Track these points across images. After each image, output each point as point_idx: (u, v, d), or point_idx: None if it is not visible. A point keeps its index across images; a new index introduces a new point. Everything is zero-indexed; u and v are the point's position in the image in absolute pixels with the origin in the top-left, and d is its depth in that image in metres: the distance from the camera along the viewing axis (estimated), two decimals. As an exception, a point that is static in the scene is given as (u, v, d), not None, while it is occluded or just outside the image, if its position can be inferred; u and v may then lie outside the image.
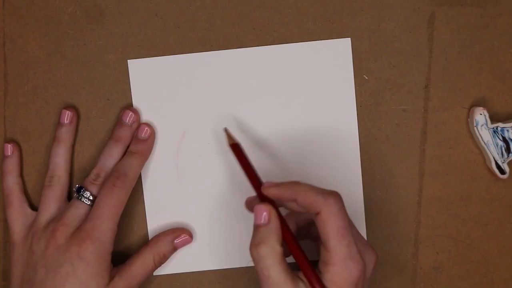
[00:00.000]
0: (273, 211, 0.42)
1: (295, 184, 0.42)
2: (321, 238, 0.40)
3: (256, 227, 0.41)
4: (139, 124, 0.49)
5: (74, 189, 0.49)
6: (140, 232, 0.50)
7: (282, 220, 0.42)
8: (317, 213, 0.40)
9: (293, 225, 0.44)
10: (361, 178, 0.50)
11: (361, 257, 0.40)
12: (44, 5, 0.50)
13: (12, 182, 0.49)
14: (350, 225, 0.40)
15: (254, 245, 0.41)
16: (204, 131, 0.50)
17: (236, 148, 0.46)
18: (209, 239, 0.50)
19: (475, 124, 0.48)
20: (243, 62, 0.50)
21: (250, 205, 0.45)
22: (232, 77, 0.50)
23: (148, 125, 0.49)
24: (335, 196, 0.40)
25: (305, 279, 0.40)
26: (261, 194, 0.43)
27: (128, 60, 0.50)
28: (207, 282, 0.50)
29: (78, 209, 0.46)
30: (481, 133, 0.48)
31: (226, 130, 0.47)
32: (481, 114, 0.48)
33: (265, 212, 0.41)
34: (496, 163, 0.48)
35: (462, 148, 0.50)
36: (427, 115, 0.50)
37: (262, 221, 0.41)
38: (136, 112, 0.49)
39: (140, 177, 0.50)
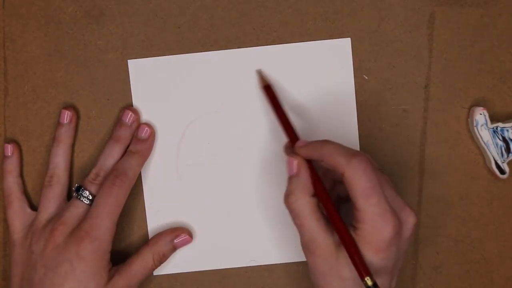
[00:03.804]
0: (303, 163, 0.42)
1: (322, 144, 0.42)
2: (351, 198, 0.40)
3: (289, 178, 0.42)
4: (139, 124, 0.49)
5: (73, 188, 0.49)
6: (140, 232, 0.50)
7: (313, 172, 0.42)
8: (342, 174, 0.40)
9: (331, 181, 0.44)
10: (361, 178, 0.50)
11: (393, 216, 0.39)
12: (44, 5, 0.50)
13: (12, 182, 0.49)
14: (379, 185, 0.39)
15: (286, 195, 0.42)
16: (204, 131, 0.50)
17: (269, 91, 0.46)
18: (209, 239, 0.50)
19: (475, 124, 0.48)
20: (243, 62, 0.50)
21: (288, 150, 0.45)
22: (232, 77, 0.50)
23: (148, 125, 0.49)
24: (359, 156, 0.40)
25: None
26: (294, 143, 0.44)
27: (128, 60, 0.50)
28: (207, 282, 0.50)
29: (77, 209, 0.46)
30: (481, 133, 0.48)
31: (259, 72, 0.48)
32: (481, 114, 0.48)
33: (294, 163, 0.42)
34: (496, 163, 0.48)
35: (462, 148, 0.50)
36: (427, 115, 0.50)
37: (293, 172, 0.42)
38: (136, 112, 0.49)
39: (140, 177, 0.50)
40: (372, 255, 0.39)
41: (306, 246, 0.41)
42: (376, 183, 0.39)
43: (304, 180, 0.42)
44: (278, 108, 0.46)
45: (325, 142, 0.42)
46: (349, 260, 0.39)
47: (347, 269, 0.40)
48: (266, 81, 0.48)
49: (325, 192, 0.42)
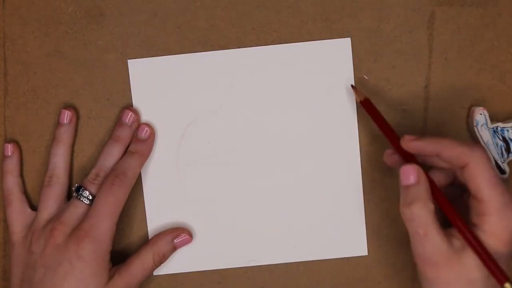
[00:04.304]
0: (421, 171, 0.41)
1: (437, 137, 0.41)
2: (471, 191, 0.39)
3: (405, 187, 0.41)
4: (139, 124, 0.49)
5: (73, 188, 0.49)
6: (140, 232, 0.50)
7: (430, 179, 0.41)
8: (465, 166, 0.39)
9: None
10: (361, 178, 0.49)
11: None
12: (44, 5, 0.50)
13: (12, 182, 0.49)
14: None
15: (407, 204, 0.40)
16: (204, 131, 0.50)
17: (368, 105, 0.46)
18: (209, 239, 0.50)
19: (475, 124, 0.48)
20: (243, 62, 0.50)
21: (389, 158, 0.45)
22: (232, 77, 0.50)
23: (148, 125, 0.49)
24: (481, 147, 0.40)
25: (458, 235, 0.40)
26: (401, 149, 0.43)
27: (128, 60, 0.50)
28: (207, 282, 0.50)
29: (77, 209, 0.46)
30: (481, 133, 0.48)
31: (353, 87, 0.48)
32: (481, 114, 0.48)
33: (414, 172, 0.41)
34: (496, 163, 0.48)
35: (462, 148, 0.50)
36: (427, 115, 0.50)
37: (412, 181, 0.41)
38: (136, 112, 0.49)
39: (140, 177, 0.50)
40: (501, 249, 0.38)
41: (428, 258, 0.40)
42: (497, 172, 0.39)
43: (426, 187, 0.40)
44: (381, 119, 0.45)
45: (439, 136, 0.41)
46: (477, 261, 0.39)
47: (476, 271, 0.39)
48: (364, 95, 0.47)
49: (443, 196, 0.41)
